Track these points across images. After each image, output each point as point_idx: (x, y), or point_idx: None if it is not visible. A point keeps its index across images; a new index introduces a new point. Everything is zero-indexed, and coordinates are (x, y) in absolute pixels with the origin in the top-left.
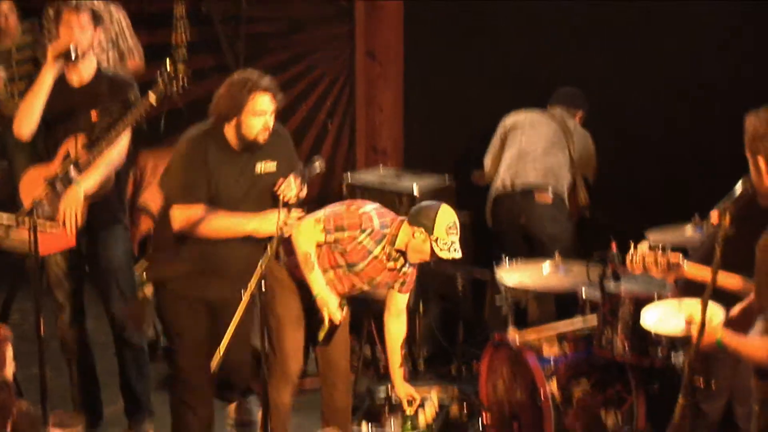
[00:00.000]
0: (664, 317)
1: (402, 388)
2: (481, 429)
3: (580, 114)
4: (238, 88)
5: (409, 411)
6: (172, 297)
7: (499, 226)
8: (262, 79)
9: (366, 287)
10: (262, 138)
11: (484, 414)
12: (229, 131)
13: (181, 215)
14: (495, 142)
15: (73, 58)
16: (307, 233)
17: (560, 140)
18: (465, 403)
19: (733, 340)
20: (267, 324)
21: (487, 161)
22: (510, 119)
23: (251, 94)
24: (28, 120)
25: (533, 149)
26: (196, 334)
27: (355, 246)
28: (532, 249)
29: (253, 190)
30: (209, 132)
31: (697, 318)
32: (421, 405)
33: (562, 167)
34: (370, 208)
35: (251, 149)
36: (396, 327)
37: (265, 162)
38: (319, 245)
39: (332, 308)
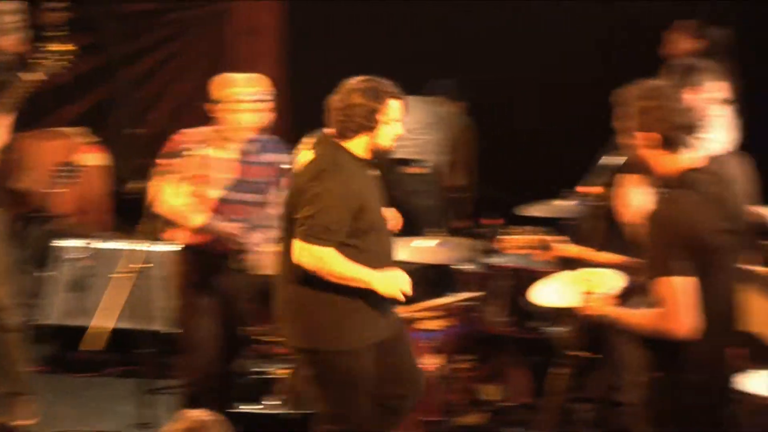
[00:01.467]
0: (551, 290)
1: None
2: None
3: (459, 102)
4: (373, 96)
5: None
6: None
7: None
8: (389, 84)
9: None
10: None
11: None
12: (359, 145)
13: (310, 255)
14: None
15: None
16: None
17: (437, 123)
18: None
19: (620, 312)
20: None
21: None
22: None
23: (386, 102)
24: None
25: (408, 128)
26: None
27: None
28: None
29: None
30: (342, 150)
31: (585, 289)
32: None
33: (436, 146)
34: None
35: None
36: None
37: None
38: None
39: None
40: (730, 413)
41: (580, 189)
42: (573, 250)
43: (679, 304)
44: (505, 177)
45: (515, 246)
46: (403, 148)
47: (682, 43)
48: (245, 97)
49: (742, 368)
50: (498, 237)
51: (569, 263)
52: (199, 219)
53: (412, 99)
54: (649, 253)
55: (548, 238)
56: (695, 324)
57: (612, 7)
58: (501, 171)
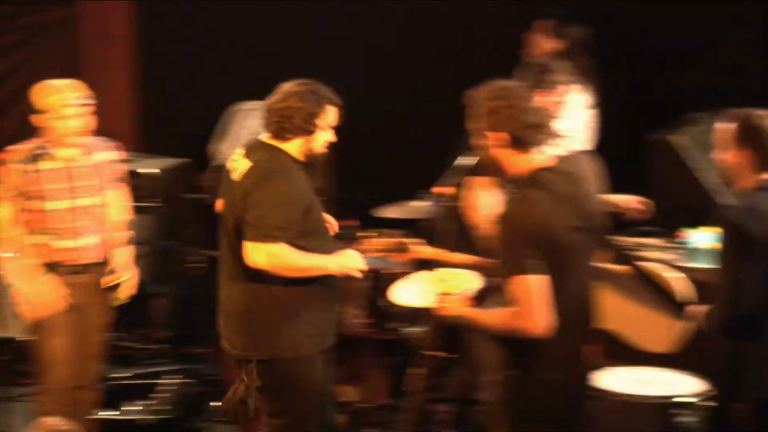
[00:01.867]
0: (409, 291)
1: None
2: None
3: None
4: (313, 100)
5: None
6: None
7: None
8: (328, 90)
9: None
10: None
11: (223, 394)
12: (295, 148)
13: (265, 253)
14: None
15: None
16: None
17: None
18: (205, 384)
19: (475, 312)
20: None
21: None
22: (236, 107)
23: (325, 107)
24: None
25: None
26: None
27: None
28: None
29: None
30: (282, 152)
31: (441, 290)
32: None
33: None
34: None
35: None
36: None
37: None
38: None
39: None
40: (587, 411)
41: (435, 190)
42: (428, 251)
43: (532, 303)
44: (362, 179)
45: (372, 248)
46: None
47: (541, 43)
48: (71, 102)
49: (598, 365)
50: (355, 239)
51: (425, 264)
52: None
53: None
54: (502, 253)
55: (405, 240)
56: (549, 322)
57: (467, 6)
58: (357, 173)
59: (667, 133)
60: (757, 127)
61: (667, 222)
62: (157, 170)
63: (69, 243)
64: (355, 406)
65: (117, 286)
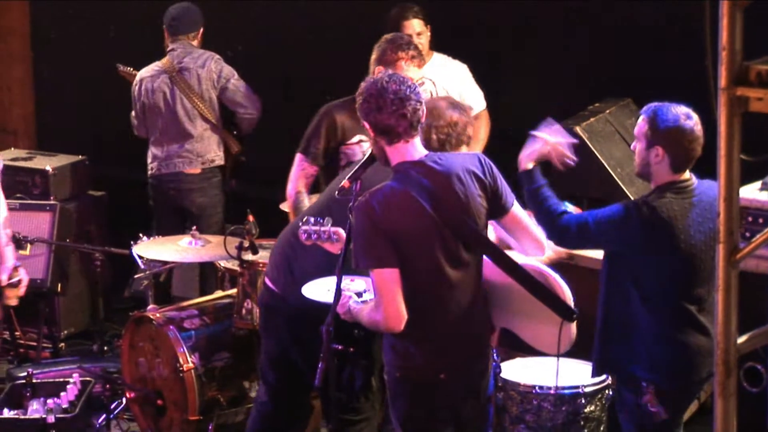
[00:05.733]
0: (318, 287)
1: None
2: (125, 406)
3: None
4: None
5: None
6: None
7: (154, 201)
8: None
9: None
10: None
11: (127, 391)
12: None
13: None
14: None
15: None
16: None
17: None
18: (108, 382)
19: (355, 308)
20: None
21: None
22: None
23: None
24: None
25: None
26: None
27: None
28: (183, 222)
29: None
30: None
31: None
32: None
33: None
34: None
35: None
36: None
37: None
38: None
39: None
40: (478, 406)
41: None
42: None
43: (383, 297)
44: (263, 174)
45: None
46: None
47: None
48: None
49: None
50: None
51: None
52: None
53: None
54: (356, 245)
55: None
56: (399, 315)
57: None
58: (256, 169)
59: (572, 123)
60: (672, 129)
61: None
62: (49, 167)
63: None
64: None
65: (9, 286)
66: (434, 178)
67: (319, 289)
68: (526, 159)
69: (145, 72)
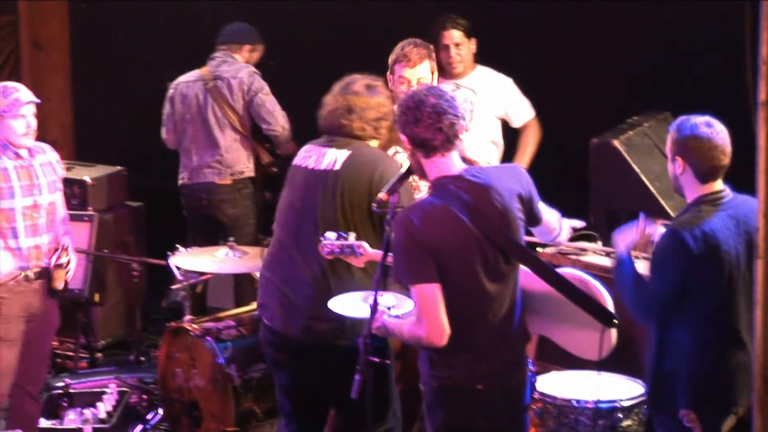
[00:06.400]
0: (348, 302)
1: None
2: (161, 417)
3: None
4: None
5: None
6: None
7: (187, 210)
8: None
9: None
10: None
11: (163, 402)
12: None
13: None
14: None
15: None
16: None
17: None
18: (144, 392)
19: (391, 324)
20: None
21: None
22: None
23: None
24: None
25: None
26: None
27: None
28: (215, 233)
29: None
30: None
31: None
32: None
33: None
34: None
35: None
36: None
37: None
38: None
39: None
40: (518, 419)
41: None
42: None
43: (426, 312)
44: None
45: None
46: None
47: None
48: (25, 101)
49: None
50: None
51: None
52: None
53: None
54: (398, 260)
55: (358, 242)
56: (442, 331)
57: None
58: None
59: (611, 136)
60: (688, 138)
61: (608, 226)
62: (87, 178)
63: (29, 242)
64: None
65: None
66: (473, 192)
67: (345, 304)
68: (624, 246)
69: (183, 78)
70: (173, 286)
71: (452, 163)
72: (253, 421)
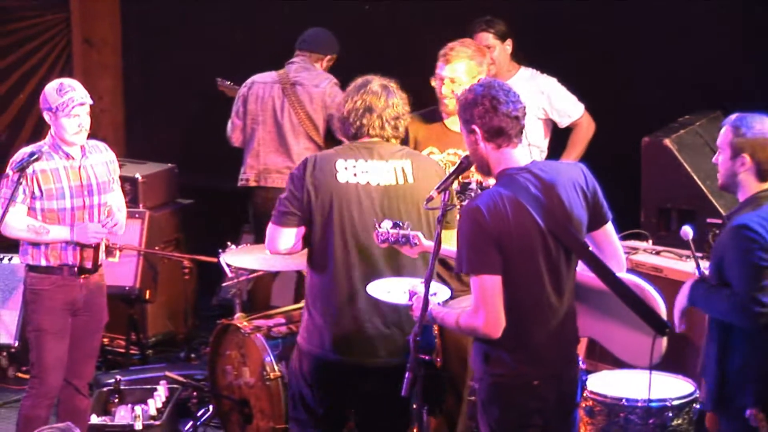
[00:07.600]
0: (390, 289)
1: None
2: (211, 414)
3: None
4: None
5: None
6: None
7: (254, 207)
8: None
9: None
10: None
11: (214, 398)
12: None
13: None
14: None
15: None
16: None
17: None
18: (195, 389)
19: (440, 313)
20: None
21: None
22: None
23: None
24: None
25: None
26: None
27: None
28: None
29: None
30: None
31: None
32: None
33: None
34: None
35: None
36: None
37: None
38: None
39: None
40: (570, 415)
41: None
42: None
43: (485, 303)
44: None
45: (388, 239)
46: None
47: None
48: (78, 101)
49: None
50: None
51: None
52: (55, 233)
53: None
54: (460, 249)
55: (417, 235)
56: (498, 322)
57: None
58: None
59: (662, 135)
60: (759, 137)
61: (659, 225)
62: (138, 175)
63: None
64: None
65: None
66: (540, 185)
67: (381, 289)
68: (679, 319)
69: (260, 77)
70: (224, 283)
71: (519, 156)
72: None
